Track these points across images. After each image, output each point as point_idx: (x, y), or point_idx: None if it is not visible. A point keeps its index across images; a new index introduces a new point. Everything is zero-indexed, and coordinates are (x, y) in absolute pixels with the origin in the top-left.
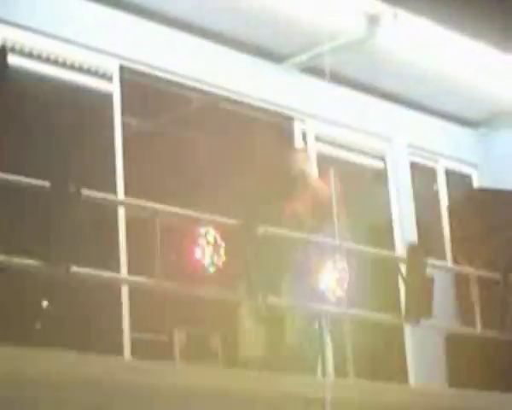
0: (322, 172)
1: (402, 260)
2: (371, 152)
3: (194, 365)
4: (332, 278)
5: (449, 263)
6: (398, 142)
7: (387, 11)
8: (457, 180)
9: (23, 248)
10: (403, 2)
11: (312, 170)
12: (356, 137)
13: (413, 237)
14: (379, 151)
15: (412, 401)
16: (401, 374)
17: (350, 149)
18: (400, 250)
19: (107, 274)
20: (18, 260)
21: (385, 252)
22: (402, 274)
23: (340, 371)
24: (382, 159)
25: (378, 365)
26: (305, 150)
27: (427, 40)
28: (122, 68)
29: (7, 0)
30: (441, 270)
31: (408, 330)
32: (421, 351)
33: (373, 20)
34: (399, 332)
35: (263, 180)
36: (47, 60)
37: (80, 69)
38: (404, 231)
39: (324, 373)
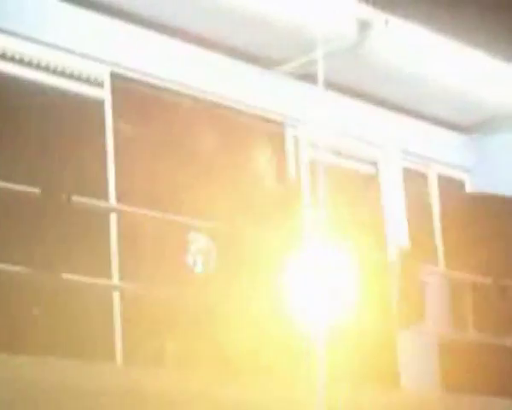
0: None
1: (394, 265)
2: (363, 158)
3: (185, 370)
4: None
5: (441, 268)
6: (390, 147)
7: (379, 17)
8: (450, 185)
9: (13, 255)
10: (394, 8)
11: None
12: (348, 142)
13: (405, 242)
14: (371, 157)
15: (404, 406)
16: (393, 379)
17: (342, 154)
18: (392, 255)
19: (98, 281)
20: (7, 268)
21: (377, 256)
22: (394, 279)
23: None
24: (374, 164)
25: (370, 369)
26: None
27: (418, 46)
28: (113, 75)
29: None
30: (434, 275)
31: (400, 334)
32: (414, 356)
33: (364, 26)
34: (391, 337)
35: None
36: (37, 66)
37: (71, 76)
38: (397, 236)
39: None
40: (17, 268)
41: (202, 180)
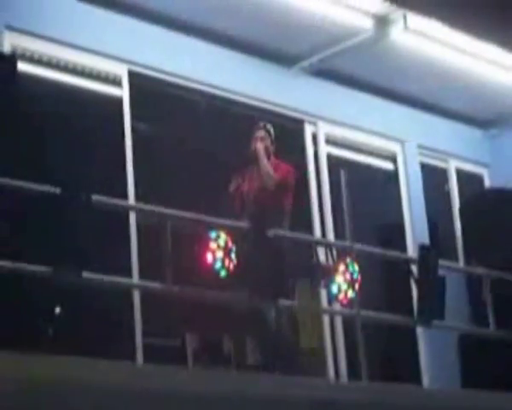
0: (333, 174)
1: (414, 262)
2: (382, 153)
3: (207, 370)
4: (344, 280)
5: (461, 264)
6: (408, 143)
7: (397, 12)
8: (469, 180)
9: (34, 254)
10: (412, 4)
11: (270, 150)
12: (366, 138)
13: (424, 238)
14: (389, 153)
15: (425, 403)
16: (414, 376)
17: (360, 150)
18: (412, 252)
19: (118, 280)
20: (29, 267)
21: (396, 253)
22: (414, 276)
23: (352, 374)
24: (393, 160)
25: (391, 367)
26: (266, 128)
27: (436, 41)
28: (131, 73)
29: (16, 7)
30: (453, 271)
31: (420, 332)
32: (434, 353)
33: (382, 22)
34: (412, 334)
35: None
36: (56, 66)
37: (89, 75)
38: (416, 233)
39: (337, 376)
40: (38, 268)
41: (219, 178)
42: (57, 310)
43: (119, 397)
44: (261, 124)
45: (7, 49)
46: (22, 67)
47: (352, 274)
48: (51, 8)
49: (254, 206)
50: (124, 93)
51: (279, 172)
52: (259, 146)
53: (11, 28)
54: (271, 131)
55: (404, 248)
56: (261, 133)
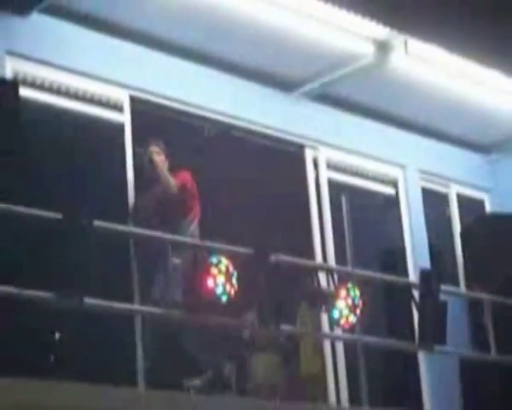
0: (333, 198)
1: (415, 286)
2: (383, 178)
3: (209, 394)
4: (345, 305)
5: (462, 289)
6: (409, 168)
7: (397, 38)
8: (470, 205)
9: (35, 279)
10: (413, 29)
11: (165, 164)
12: (367, 163)
13: (426, 262)
14: (390, 177)
15: None
16: (415, 401)
17: (361, 175)
18: (413, 276)
19: (119, 305)
20: (31, 293)
21: (398, 278)
22: (415, 300)
23: (353, 399)
24: (394, 185)
25: (392, 392)
26: (158, 144)
27: (437, 66)
28: (132, 99)
29: (18, 33)
30: (454, 296)
31: (422, 356)
32: (435, 377)
33: (383, 47)
34: (413, 359)
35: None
36: (58, 91)
37: (91, 100)
38: (417, 257)
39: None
40: (40, 293)
41: (224, 203)
42: (57, 335)
43: None
44: (152, 140)
45: (9, 74)
46: (24, 92)
47: (353, 299)
48: (53, 33)
49: (158, 216)
50: (125, 118)
51: (178, 179)
52: (157, 158)
53: (13, 53)
54: (162, 146)
55: (405, 272)
56: (155, 148)
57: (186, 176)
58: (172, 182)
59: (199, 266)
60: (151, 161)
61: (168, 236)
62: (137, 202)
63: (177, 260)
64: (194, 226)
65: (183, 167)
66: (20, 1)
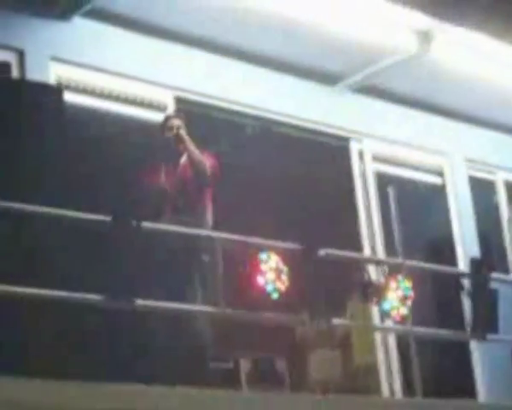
0: (380, 189)
1: (465, 276)
2: (429, 168)
3: (261, 392)
4: (396, 297)
5: None
6: (455, 156)
7: (439, 27)
8: None
9: (87, 283)
10: (454, 18)
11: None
12: (413, 154)
13: (475, 251)
14: (437, 167)
15: None
16: (469, 391)
17: (407, 166)
18: (463, 265)
19: (171, 305)
20: (83, 296)
21: (448, 268)
22: (466, 290)
23: (407, 390)
24: (440, 174)
25: (445, 382)
26: (181, 116)
27: (479, 54)
28: (177, 99)
29: (60, 39)
30: (505, 283)
31: (474, 346)
32: (489, 366)
33: (424, 37)
34: (465, 349)
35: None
36: (101, 95)
37: (135, 102)
38: (466, 246)
39: (392, 393)
40: (92, 296)
41: (270, 199)
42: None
43: None
44: (172, 113)
45: (53, 79)
46: (68, 97)
47: (403, 291)
48: (95, 37)
49: (181, 198)
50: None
51: (208, 160)
52: (183, 132)
53: (56, 59)
54: (184, 119)
55: (454, 262)
56: (177, 121)
57: (213, 158)
58: (205, 164)
59: (248, 263)
60: (179, 137)
61: (217, 234)
62: (153, 183)
63: (206, 258)
64: (209, 214)
65: (213, 154)
66: (62, 6)
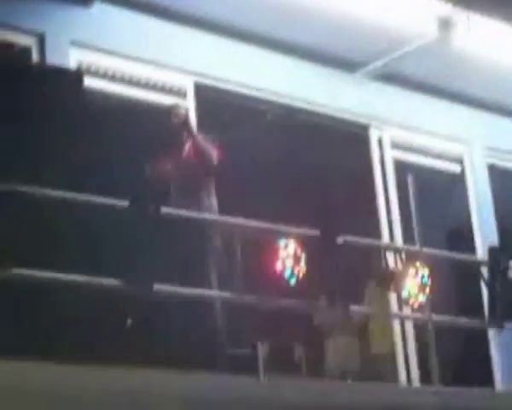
0: (399, 177)
1: (484, 264)
2: (448, 156)
3: (279, 378)
4: (414, 284)
5: None
6: (475, 144)
7: (459, 14)
8: None
9: (103, 267)
10: (475, 5)
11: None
12: (432, 141)
13: (493, 239)
14: (456, 155)
15: (498, 406)
16: (486, 379)
17: (427, 153)
18: (481, 253)
19: (189, 290)
20: (101, 281)
21: (466, 256)
22: (484, 277)
23: (424, 378)
24: (460, 162)
25: (462, 370)
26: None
27: (500, 41)
28: (197, 85)
29: (80, 23)
30: None
31: (492, 334)
32: (506, 355)
33: (445, 24)
34: (483, 337)
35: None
36: (122, 80)
37: (155, 88)
38: (485, 234)
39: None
40: (110, 281)
41: (289, 186)
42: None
43: (193, 407)
44: (175, 104)
45: (73, 64)
46: (88, 81)
47: (421, 278)
48: (115, 22)
49: (185, 182)
50: (189, 104)
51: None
52: (190, 120)
53: (76, 44)
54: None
55: (472, 250)
56: (183, 110)
57: (217, 149)
58: (212, 152)
59: (266, 249)
60: (186, 124)
61: (236, 220)
62: (156, 166)
63: (218, 243)
64: (214, 199)
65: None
66: None
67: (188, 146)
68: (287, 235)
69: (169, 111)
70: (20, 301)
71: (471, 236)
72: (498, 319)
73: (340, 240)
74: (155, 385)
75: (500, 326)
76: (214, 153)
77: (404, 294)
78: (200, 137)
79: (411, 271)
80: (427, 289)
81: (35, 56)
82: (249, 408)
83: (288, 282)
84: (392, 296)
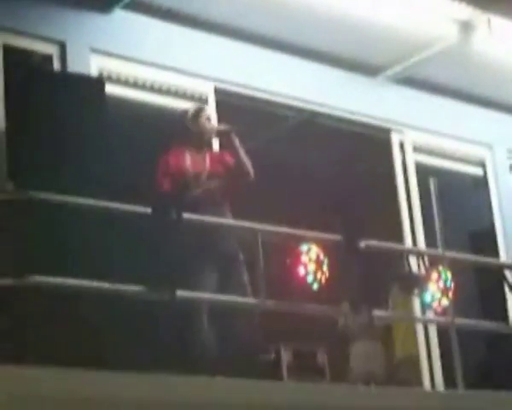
0: (421, 181)
1: (508, 267)
2: (470, 159)
3: (302, 382)
4: (437, 288)
5: None
6: (497, 147)
7: (480, 17)
8: None
9: (126, 274)
10: (495, 8)
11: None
12: (454, 145)
13: None
14: (478, 158)
15: None
16: (511, 383)
17: (448, 157)
18: (505, 257)
19: (210, 295)
20: (123, 287)
21: (490, 259)
22: (508, 281)
23: (448, 382)
24: (482, 165)
25: (487, 374)
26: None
27: None
28: (217, 90)
29: (101, 30)
30: None
31: None
32: None
33: (466, 27)
34: (508, 341)
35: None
36: (143, 87)
37: (176, 94)
38: (508, 238)
39: (433, 384)
40: (132, 288)
41: (311, 190)
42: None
43: None
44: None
45: (94, 71)
46: (109, 88)
47: (445, 282)
48: (136, 29)
49: (205, 190)
50: (210, 110)
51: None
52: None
53: (97, 51)
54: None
55: (496, 253)
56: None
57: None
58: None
59: (289, 254)
60: (226, 133)
61: (258, 225)
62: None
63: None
64: (229, 213)
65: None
66: None
67: (221, 154)
68: (309, 240)
69: (195, 112)
70: (41, 308)
71: (494, 239)
72: None
73: (362, 244)
74: (179, 391)
75: None
76: (251, 168)
77: (428, 298)
78: (243, 151)
79: (434, 275)
80: (450, 293)
81: (56, 64)
82: None
83: (310, 287)
84: (416, 301)
